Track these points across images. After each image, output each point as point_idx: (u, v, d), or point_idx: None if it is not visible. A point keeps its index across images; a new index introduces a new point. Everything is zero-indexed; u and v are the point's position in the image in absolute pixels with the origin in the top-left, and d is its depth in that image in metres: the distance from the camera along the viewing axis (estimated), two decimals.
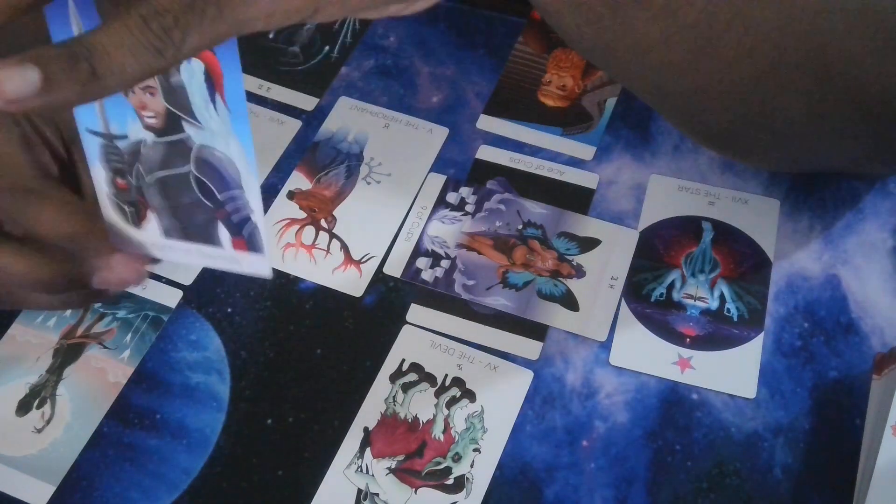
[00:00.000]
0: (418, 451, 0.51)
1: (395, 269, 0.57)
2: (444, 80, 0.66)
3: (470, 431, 0.51)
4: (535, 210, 0.59)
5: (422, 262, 0.57)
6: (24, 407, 0.53)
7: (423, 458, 0.51)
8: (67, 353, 0.55)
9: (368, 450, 0.51)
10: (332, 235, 0.59)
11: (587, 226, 0.59)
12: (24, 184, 0.43)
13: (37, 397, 0.53)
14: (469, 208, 0.60)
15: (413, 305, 0.56)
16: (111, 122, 0.42)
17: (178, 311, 0.56)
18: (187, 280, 0.57)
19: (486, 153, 0.62)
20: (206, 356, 0.55)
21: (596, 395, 0.53)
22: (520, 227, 0.59)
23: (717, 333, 0.54)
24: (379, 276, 0.57)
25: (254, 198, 0.42)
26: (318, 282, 0.57)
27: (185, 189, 0.43)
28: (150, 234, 0.44)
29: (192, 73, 0.40)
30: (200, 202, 0.43)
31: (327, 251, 0.58)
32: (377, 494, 0.50)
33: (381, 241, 0.59)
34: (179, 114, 0.41)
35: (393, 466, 0.50)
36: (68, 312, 0.56)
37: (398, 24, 0.69)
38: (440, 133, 0.63)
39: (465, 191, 0.60)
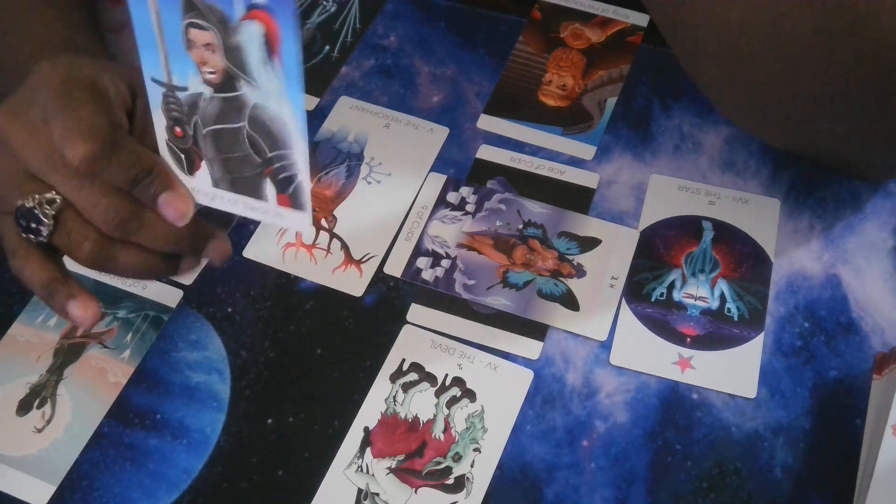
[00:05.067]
0: (418, 451, 0.51)
1: (395, 268, 0.57)
2: (445, 79, 0.66)
3: (470, 431, 0.51)
4: (536, 210, 0.59)
5: (422, 262, 0.57)
6: (24, 407, 0.53)
7: (423, 458, 0.51)
8: (68, 352, 0.55)
9: (368, 450, 0.51)
10: (333, 235, 0.59)
11: (587, 225, 0.59)
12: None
13: (37, 397, 0.53)
14: (469, 208, 0.60)
15: (413, 305, 0.56)
16: (173, 74, 0.44)
17: (179, 310, 0.56)
18: (188, 280, 0.57)
19: (487, 153, 0.62)
20: (207, 356, 0.55)
21: (596, 395, 0.53)
22: (520, 226, 0.59)
23: (718, 333, 0.54)
24: (379, 276, 0.57)
25: (301, 158, 0.44)
26: (319, 281, 0.57)
27: (236, 143, 0.45)
28: (201, 181, 0.47)
29: (250, 35, 0.42)
30: (250, 157, 0.45)
31: (327, 251, 0.58)
32: (377, 494, 0.50)
33: (382, 240, 0.59)
34: (237, 72, 0.43)
35: (393, 466, 0.50)
36: None
37: (398, 23, 0.69)
38: (440, 133, 0.63)
39: (465, 190, 0.60)
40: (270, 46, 0.41)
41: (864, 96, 0.47)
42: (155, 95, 0.45)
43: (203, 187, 0.48)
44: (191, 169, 0.47)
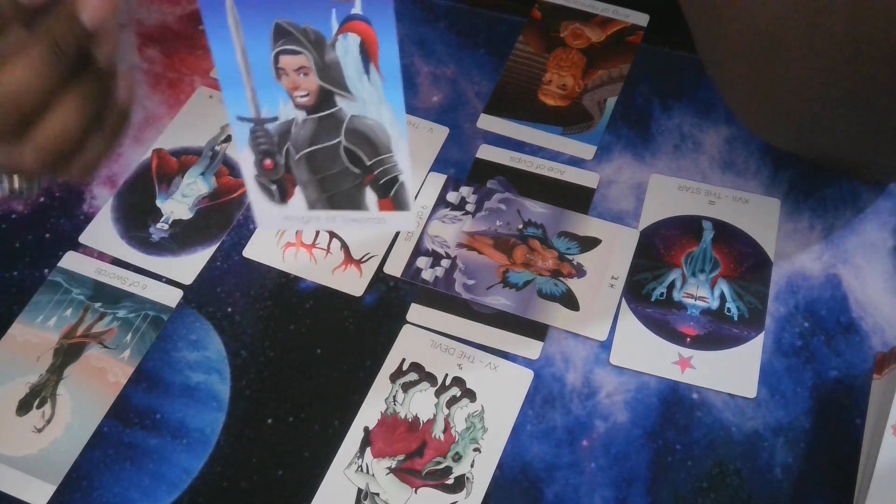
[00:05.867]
0: (418, 451, 0.51)
1: (395, 268, 0.57)
2: (445, 79, 0.66)
3: (470, 431, 0.51)
4: (536, 209, 0.59)
5: (422, 262, 0.57)
6: (24, 407, 0.53)
7: (423, 458, 0.51)
8: (68, 352, 0.55)
9: (368, 449, 0.51)
10: (333, 235, 0.59)
11: (588, 225, 0.59)
12: None
13: (37, 397, 0.53)
14: (469, 208, 0.60)
15: (413, 305, 0.56)
16: (262, 107, 0.44)
17: (179, 310, 0.56)
18: (187, 280, 0.57)
19: (487, 152, 0.62)
20: (206, 356, 0.55)
21: (596, 395, 0.53)
22: (520, 226, 0.59)
23: (718, 333, 0.54)
24: (379, 276, 0.57)
25: (403, 158, 0.45)
26: (319, 281, 0.57)
27: (333, 160, 0.45)
28: (296, 207, 0.47)
29: (346, 49, 0.42)
30: (348, 170, 0.45)
31: (327, 251, 0.58)
32: (377, 494, 0.50)
33: (382, 240, 0.59)
34: (332, 88, 0.43)
35: (393, 466, 0.50)
36: (69, 311, 0.56)
37: (399, 23, 0.69)
38: (440, 132, 0.63)
39: (465, 190, 0.60)
40: (368, 55, 0.41)
41: (885, 100, 0.47)
42: (241, 134, 0.44)
43: (297, 213, 0.47)
44: (283, 198, 0.46)
